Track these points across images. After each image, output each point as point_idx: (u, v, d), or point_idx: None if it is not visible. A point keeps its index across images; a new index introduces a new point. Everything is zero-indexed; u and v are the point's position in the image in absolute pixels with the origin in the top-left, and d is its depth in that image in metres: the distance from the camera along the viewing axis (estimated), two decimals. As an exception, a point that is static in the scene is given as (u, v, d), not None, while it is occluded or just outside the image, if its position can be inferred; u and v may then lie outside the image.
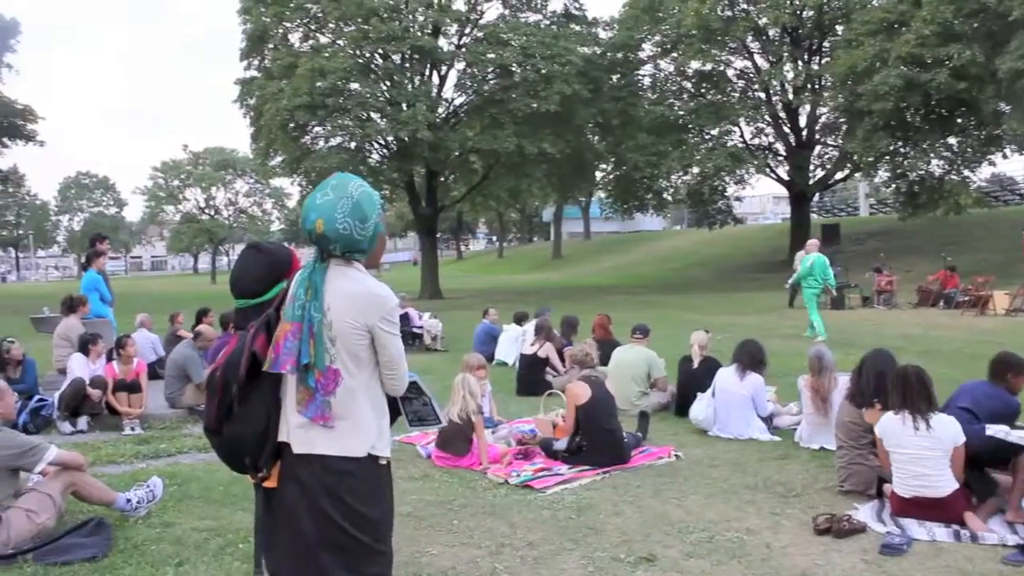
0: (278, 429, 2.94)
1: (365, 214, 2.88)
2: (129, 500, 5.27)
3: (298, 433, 2.88)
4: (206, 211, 73.46)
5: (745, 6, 31.98)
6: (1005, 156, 29.54)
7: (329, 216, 2.84)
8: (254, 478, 3.03)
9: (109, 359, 8.97)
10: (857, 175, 35.75)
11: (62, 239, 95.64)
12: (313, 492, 2.84)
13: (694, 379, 8.44)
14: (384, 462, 2.96)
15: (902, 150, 28.40)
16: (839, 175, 35.86)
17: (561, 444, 6.90)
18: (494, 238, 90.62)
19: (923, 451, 5.03)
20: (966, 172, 29.52)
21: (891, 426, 5.19)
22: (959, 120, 27.83)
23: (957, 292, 20.10)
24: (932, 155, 28.38)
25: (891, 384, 5.30)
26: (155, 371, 10.20)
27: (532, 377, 10.13)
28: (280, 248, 3.41)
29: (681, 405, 8.55)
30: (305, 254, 3.15)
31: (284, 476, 2.93)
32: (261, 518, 3.16)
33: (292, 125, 29.52)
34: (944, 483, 5.01)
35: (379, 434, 2.93)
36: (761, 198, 79.25)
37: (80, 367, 8.66)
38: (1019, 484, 5.05)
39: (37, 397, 8.65)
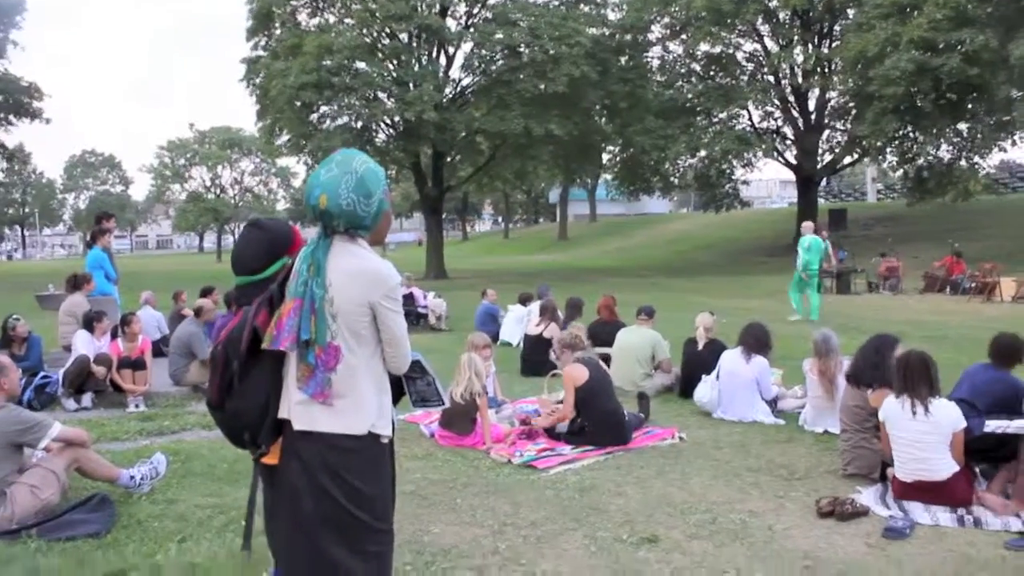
0: (279, 405, 2.93)
1: (369, 190, 2.86)
2: (132, 477, 5.28)
3: (298, 410, 2.87)
4: (212, 190, 73.41)
5: (756, -12, 31.71)
6: (1015, 143, 29.41)
7: (333, 192, 2.82)
8: (253, 454, 3.03)
9: (114, 336, 8.97)
10: (865, 160, 35.56)
11: (68, 217, 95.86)
12: (313, 469, 2.83)
13: (699, 361, 8.42)
14: (385, 440, 2.94)
15: (911, 135, 28.23)
16: (847, 160, 35.68)
17: (563, 426, 6.90)
18: (499, 219, 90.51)
19: (922, 436, 5.03)
20: (976, 158, 29.37)
21: (892, 410, 5.20)
22: (970, 106, 27.64)
23: (964, 278, 20.04)
24: (942, 140, 28.23)
25: (895, 369, 5.29)
26: (159, 349, 10.20)
27: (536, 357, 10.11)
28: (281, 225, 3.38)
29: (685, 387, 8.54)
30: (309, 232, 3.14)
31: (285, 453, 2.92)
32: (265, 495, 3.16)
33: (299, 104, 29.42)
34: (943, 467, 5.01)
35: (380, 412, 2.91)
36: (768, 182, 79.03)
37: (85, 344, 8.66)
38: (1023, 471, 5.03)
39: (42, 374, 8.64)
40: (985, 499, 5.03)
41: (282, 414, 2.92)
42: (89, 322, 8.89)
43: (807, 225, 16.21)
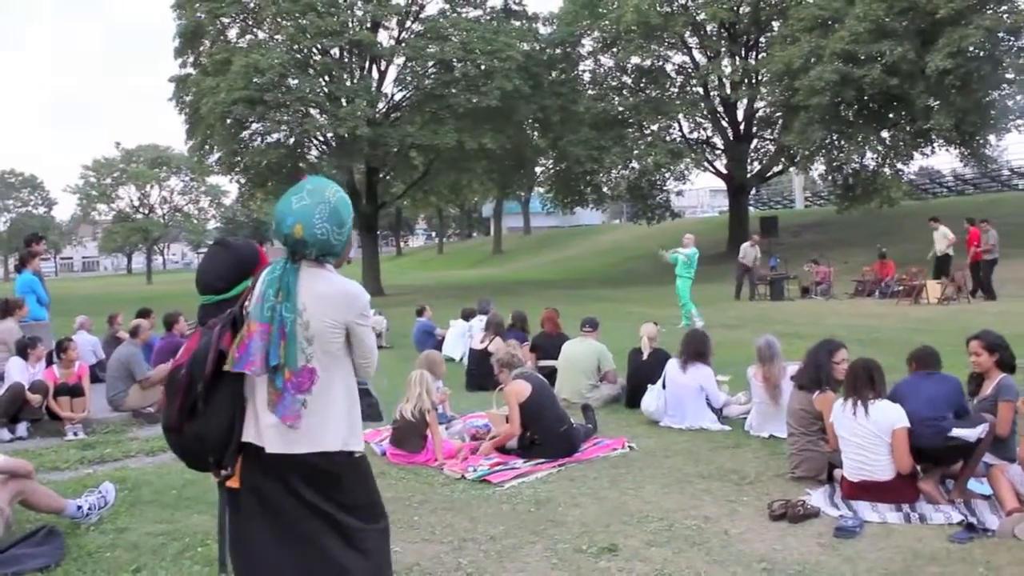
0: (243, 428, 2.92)
1: (342, 219, 2.95)
2: (80, 507, 5.15)
3: (271, 432, 2.88)
4: (140, 210, 71.75)
5: (683, 1, 32.34)
6: (934, 150, 30.40)
7: (308, 221, 2.88)
8: (217, 476, 3.01)
9: (49, 363, 8.74)
10: (793, 168, 36.42)
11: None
12: (299, 489, 2.87)
13: (644, 371, 8.53)
14: (358, 455, 3.00)
15: (837, 143, 29.02)
16: (776, 168, 36.49)
17: (513, 442, 6.91)
18: (433, 234, 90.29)
19: (862, 437, 5.23)
20: (898, 165, 30.29)
21: (837, 412, 5.44)
22: (891, 115, 28.53)
23: (893, 281, 20.68)
24: (866, 148, 29.05)
25: (845, 374, 5.49)
26: (96, 374, 9.96)
27: (482, 371, 10.12)
28: (247, 245, 3.39)
29: (632, 397, 8.64)
30: (270, 251, 3.15)
31: (259, 475, 2.93)
32: (230, 520, 3.13)
33: (229, 121, 28.98)
34: (885, 468, 5.19)
35: (351, 428, 2.98)
36: (699, 191, 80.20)
37: (19, 372, 8.41)
38: (971, 465, 5.22)
39: (-28, 404, 8.36)
40: (922, 488, 5.21)
41: (247, 437, 2.92)
42: (23, 349, 8.63)
43: (689, 237, 16.78)
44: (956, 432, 5.15)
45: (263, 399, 2.88)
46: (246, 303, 2.98)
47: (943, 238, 20.21)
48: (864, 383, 5.30)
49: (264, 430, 2.89)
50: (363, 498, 3.01)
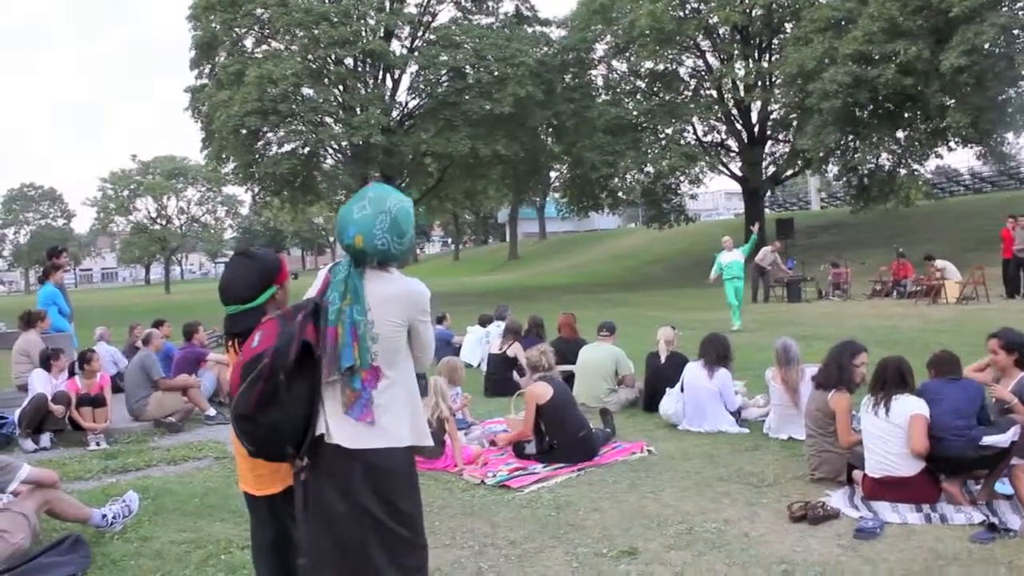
0: (318, 419, 2.98)
1: (403, 230, 3.00)
2: (105, 516, 5.20)
3: (340, 427, 2.95)
4: (158, 221, 72.24)
5: (696, 5, 32.32)
6: (950, 148, 30.24)
7: (368, 232, 2.94)
8: (295, 467, 3.02)
9: (71, 374, 8.82)
10: (808, 171, 36.32)
11: (7, 253, 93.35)
12: (354, 492, 2.93)
13: (662, 374, 8.52)
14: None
15: (852, 145, 28.90)
16: (791, 170, 36.39)
17: (532, 447, 6.93)
18: (449, 240, 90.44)
19: (884, 432, 5.26)
20: (914, 165, 30.15)
21: (863, 408, 5.47)
22: (906, 115, 28.42)
23: (909, 283, 20.56)
24: (881, 149, 28.93)
25: (874, 371, 5.53)
26: (117, 384, 10.05)
27: (501, 377, 10.16)
28: (270, 254, 3.44)
29: (649, 400, 8.63)
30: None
31: (318, 476, 2.98)
32: (254, 526, 3.18)
33: (244, 131, 29.21)
34: (908, 464, 5.19)
35: (416, 424, 3.07)
36: (714, 194, 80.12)
37: (42, 383, 8.49)
38: (1001, 467, 5.16)
39: (-4, 415, 8.47)
40: (946, 488, 5.21)
41: (318, 430, 2.98)
42: (46, 360, 8.71)
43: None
44: (988, 440, 5.09)
45: (333, 396, 2.96)
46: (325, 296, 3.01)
47: None
48: (895, 382, 5.33)
49: (335, 425, 2.95)
50: (414, 507, 3.05)
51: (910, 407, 5.21)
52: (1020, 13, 24.65)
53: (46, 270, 11.02)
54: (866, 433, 5.42)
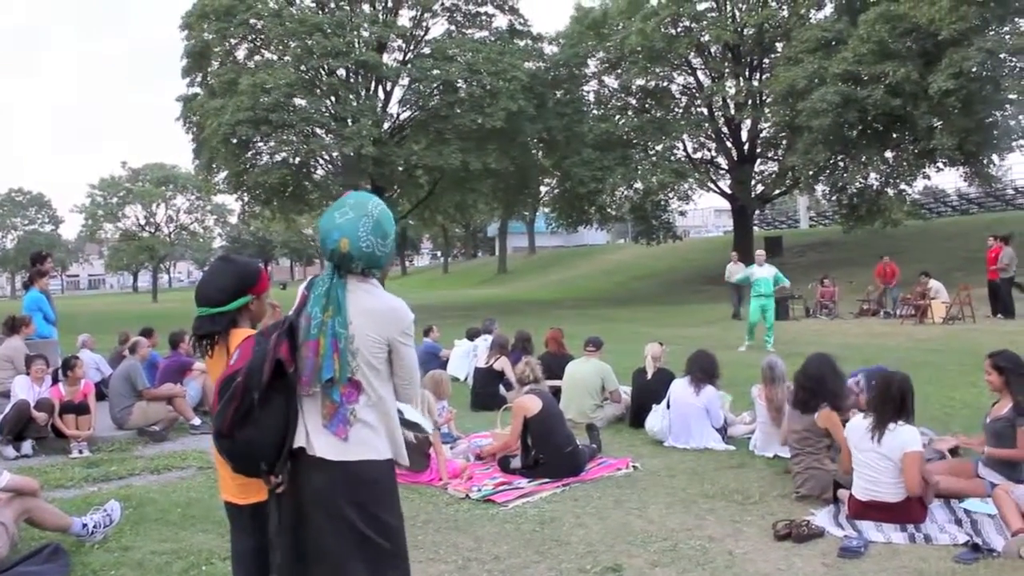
0: (295, 435, 2.97)
1: (386, 231, 3.03)
2: (85, 525, 5.15)
3: (321, 440, 2.94)
4: (146, 228, 72.04)
5: (688, 24, 32.50)
6: (938, 169, 30.41)
7: (353, 235, 2.95)
8: (268, 483, 3.01)
9: (55, 380, 8.76)
10: (797, 189, 36.49)
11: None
12: (337, 505, 2.91)
13: (648, 390, 8.52)
14: (402, 464, 3.10)
15: (841, 164, 29.08)
16: (780, 189, 36.54)
17: (517, 462, 6.91)
18: (438, 253, 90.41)
19: (875, 460, 5.23)
20: (902, 185, 30.33)
21: (856, 428, 5.40)
22: (895, 135, 28.59)
23: (896, 290, 20.71)
24: (870, 169, 29.10)
25: (875, 388, 5.48)
26: (101, 391, 9.98)
27: (487, 391, 10.14)
28: (250, 262, 3.44)
29: (636, 416, 8.62)
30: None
31: (298, 489, 2.97)
32: (274, 528, 3.15)
33: (235, 140, 29.17)
34: (896, 491, 5.18)
35: (396, 443, 3.05)
36: (703, 211, 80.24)
37: (24, 389, 8.44)
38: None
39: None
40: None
41: (298, 443, 2.96)
42: (28, 366, 8.67)
43: (759, 254, 16.35)
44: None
45: (314, 409, 2.94)
46: (302, 313, 3.00)
47: None
48: (894, 407, 5.25)
49: (316, 437, 2.94)
50: (396, 519, 3.04)
51: (904, 442, 5.16)
52: (1007, 38, 24.87)
53: (31, 276, 10.95)
54: (856, 456, 5.37)
